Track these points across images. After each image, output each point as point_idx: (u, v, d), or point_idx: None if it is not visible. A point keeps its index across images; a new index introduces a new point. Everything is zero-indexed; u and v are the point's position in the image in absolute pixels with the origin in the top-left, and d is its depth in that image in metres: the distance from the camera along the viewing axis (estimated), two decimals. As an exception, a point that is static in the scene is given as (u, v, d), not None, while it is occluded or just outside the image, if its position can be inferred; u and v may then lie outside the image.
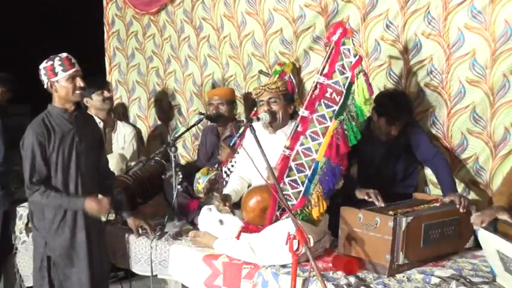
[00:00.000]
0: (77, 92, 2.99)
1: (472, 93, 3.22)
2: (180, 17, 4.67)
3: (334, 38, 2.87)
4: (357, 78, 2.80)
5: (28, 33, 6.10)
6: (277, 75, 3.83)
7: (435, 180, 3.44)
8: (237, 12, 4.24)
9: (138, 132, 4.67)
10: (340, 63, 2.85)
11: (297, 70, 3.95)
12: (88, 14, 5.55)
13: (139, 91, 5.15)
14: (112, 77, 5.29)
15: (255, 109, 3.80)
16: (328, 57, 2.90)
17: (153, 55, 4.98)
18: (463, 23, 3.19)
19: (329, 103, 2.87)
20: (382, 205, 2.91)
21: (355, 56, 2.82)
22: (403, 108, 3.23)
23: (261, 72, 4.11)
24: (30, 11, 6.19)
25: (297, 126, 2.94)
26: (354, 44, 2.85)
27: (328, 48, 2.93)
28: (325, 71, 2.91)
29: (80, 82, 2.98)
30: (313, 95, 2.93)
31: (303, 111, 2.94)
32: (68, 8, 6.01)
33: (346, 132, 2.83)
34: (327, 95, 2.88)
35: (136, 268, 3.39)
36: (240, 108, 4.32)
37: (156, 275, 3.28)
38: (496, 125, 3.18)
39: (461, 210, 2.85)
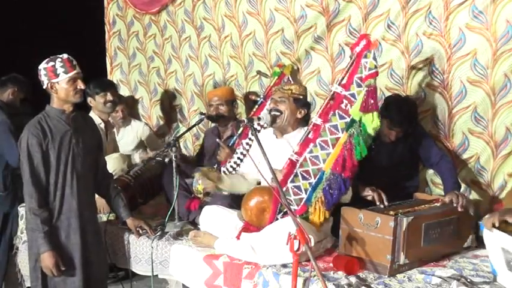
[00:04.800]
0: (77, 94, 2.98)
1: (473, 93, 3.22)
2: (181, 17, 4.68)
3: (357, 49, 2.81)
4: (360, 92, 2.78)
5: (28, 33, 6.09)
6: (277, 77, 3.83)
7: (436, 181, 3.44)
8: (238, 12, 4.25)
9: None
10: (358, 76, 2.80)
11: (296, 72, 3.95)
12: (89, 14, 5.55)
13: (141, 91, 5.16)
14: (113, 77, 5.30)
15: (255, 109, 3.82)
16: (349, 68, 2.86)
17: (154, 55, 4.99)
18: (464, 23, 3.19)
19: (343, 114, 2.84)
20: (385, 204, 2.89)
21: (370, 70, 2.75)
22: (405, 116, 3.21)
23: (259, 72, 4.11)
24: (30, 11, 6.18)
25: (308, 133, 2.92)
26: (375, 57, 2.77)
27: (351, 58, 2.88)
28: (344, 81, 2.86)
29: (80, 84, 2.96)
30: (329, 104, 2.91)
31: (316, 119, 2.92)
32: (68, 8, 6.01)
33: (354, 146, 2.81)
34: (342, 105, 2.84)
35: (137, 268, 3.39)
36: (241, 108, 4.32)
37: (156, 275, 3.28)
38: (497, 125, 3.18)
39: (459, 208, 2.84)
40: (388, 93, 3.53)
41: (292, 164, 2.92)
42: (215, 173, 3.17)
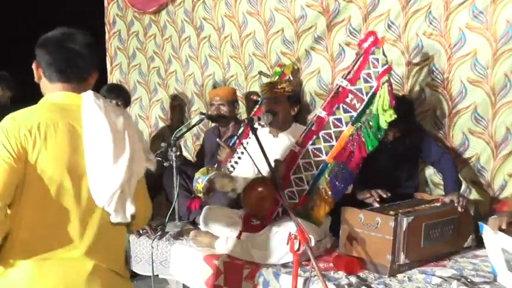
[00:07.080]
0: None
1: (474, 93, 3.22)
2: (180, 17, 4.67)
3: (365, 45, 2.86)
4: (381, 88, 2.79)
5: (28, 33, 6.09)
6: (277, 77, 3.83)
7: (436, 181, 3.44)
8: (238, 12, 4.24)
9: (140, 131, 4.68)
10: (366, 72, 2.84)
11: (296, 71, 3.95)
12: (89, 14, 5.55)
13: (140, 91, 5.15)
14: (113, 76, 5.29)
15: (255, 109, 3.81)
16: (355, 63, 2.89)
17: (154, 55, 4.98)
18: (465, 23, 3.19)
19: (348, 108, 2.87)
20: (384, 196, 2.95)
21: (383, 66, 2.80)
22: (400, 117, 3.19)
23: (260, 73, 4.10)
24: (30, 11, 6.18)
25: (312, 125, 2.93)
26: (384, 54, 2.82)
27: (357, 54, 2.91)
28: (350, 76, 2.89)
29: None
30: (334, 98, 2.92)
31: (320, 111, 2.93)
32: (68, 8, 6.01)
33: (363, 139, 2.83)
34: (347, 100, 2.87)
35: (137, 268, 3.39)
36: (242, 109, 4.31)
37: (157, 275, 3.28)
38: (498, 125, 3.18)
39: (459, 209, 2.85)
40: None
41: (294, 155, 2.92)
42: (227, 173, 3.18)
